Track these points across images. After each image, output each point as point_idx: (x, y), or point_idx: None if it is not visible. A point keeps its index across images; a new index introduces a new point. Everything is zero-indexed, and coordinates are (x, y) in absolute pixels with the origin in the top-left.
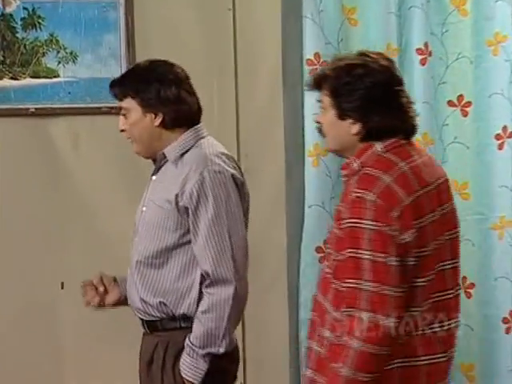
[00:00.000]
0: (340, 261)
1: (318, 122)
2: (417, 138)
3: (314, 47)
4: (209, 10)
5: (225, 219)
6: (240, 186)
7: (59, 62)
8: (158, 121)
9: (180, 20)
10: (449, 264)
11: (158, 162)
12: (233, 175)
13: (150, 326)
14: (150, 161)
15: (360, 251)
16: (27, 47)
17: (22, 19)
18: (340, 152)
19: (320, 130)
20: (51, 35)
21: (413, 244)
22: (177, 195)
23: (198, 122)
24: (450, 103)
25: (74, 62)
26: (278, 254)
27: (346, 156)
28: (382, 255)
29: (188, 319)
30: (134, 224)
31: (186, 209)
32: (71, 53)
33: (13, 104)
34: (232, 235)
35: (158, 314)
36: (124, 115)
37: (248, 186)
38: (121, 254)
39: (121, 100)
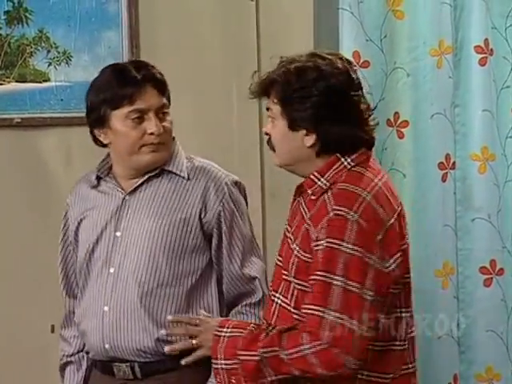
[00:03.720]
0: (305, 288)
1: (266, 134)
2: (474, 153)
3: (353, 45)
4: (227, 1)
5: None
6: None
7: (50, 64)
8: None
9: (193, 13)
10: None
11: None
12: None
13: (148, 370)
14: None
15: (332, 276)
16: (12, 46)
17: (5, 12)
18: (292, 167)
19: (269, 143)
20: (40, 31)
21: (399, 271)
22: (200, 211)
23: None
24: None
25: (67, 63)
26: None
27: (297, 171)
28: (357, 285)
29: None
30: (106, 254)
31: (216, 224)
32: (64, 52)
33: None
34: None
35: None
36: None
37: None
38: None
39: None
